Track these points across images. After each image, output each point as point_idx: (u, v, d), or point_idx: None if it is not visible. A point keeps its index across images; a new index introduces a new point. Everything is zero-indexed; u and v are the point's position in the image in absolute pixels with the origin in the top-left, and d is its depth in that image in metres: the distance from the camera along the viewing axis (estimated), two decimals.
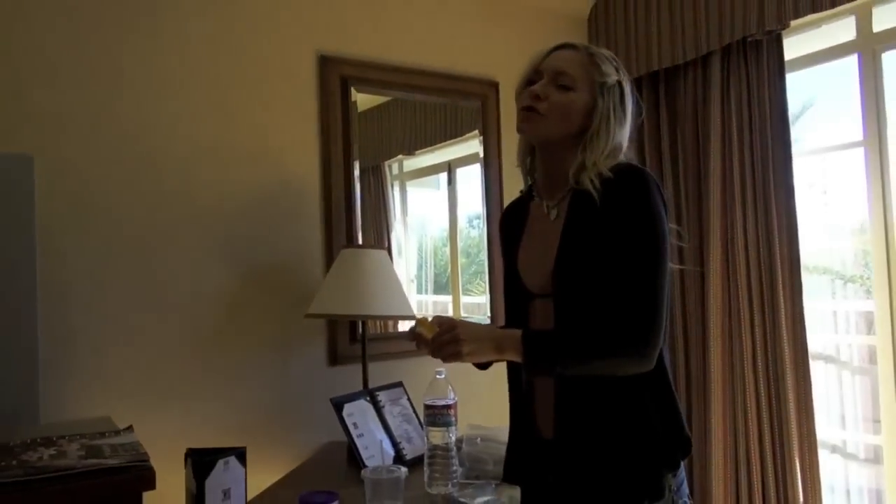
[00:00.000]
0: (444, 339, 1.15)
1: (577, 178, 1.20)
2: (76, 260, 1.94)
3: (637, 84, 2.88)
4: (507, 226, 1.41)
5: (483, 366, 1.36)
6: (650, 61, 2.74)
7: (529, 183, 1.39)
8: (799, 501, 2.35)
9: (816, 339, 2.67)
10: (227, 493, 1.25)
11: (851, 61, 2.44)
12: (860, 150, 2.43)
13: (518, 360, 1.16)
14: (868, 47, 2.39)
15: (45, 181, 1.77)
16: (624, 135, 1.25)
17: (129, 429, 1.60)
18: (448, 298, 2.83)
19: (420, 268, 2.82)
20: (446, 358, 1.16)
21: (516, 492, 1.36)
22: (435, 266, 2.87)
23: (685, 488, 1.20)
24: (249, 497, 1.62)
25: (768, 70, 2.43)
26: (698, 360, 2.65)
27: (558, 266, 1.18)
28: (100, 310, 1.96)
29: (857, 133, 2.44)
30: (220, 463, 1.24)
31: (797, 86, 2.68)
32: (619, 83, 1.25)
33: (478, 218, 2.88)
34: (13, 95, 1.87)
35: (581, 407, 1.18)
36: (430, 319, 1.22)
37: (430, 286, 2.85)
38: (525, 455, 1.30)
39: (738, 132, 2.51)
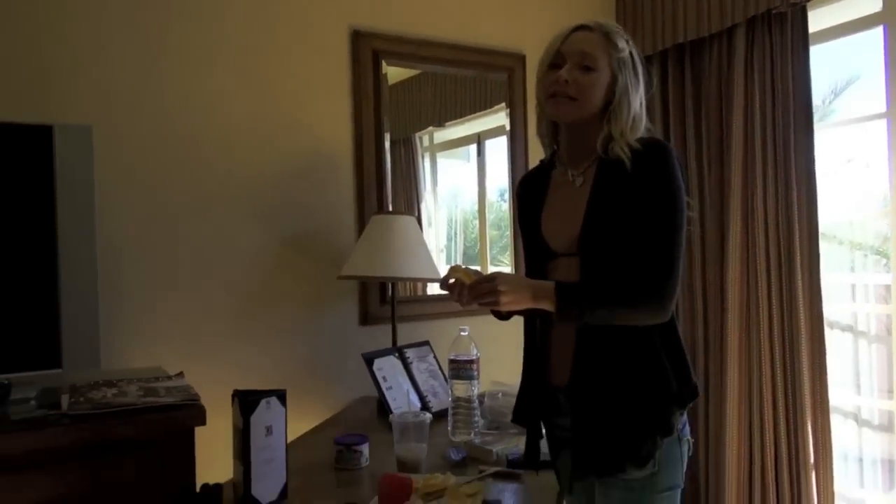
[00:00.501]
0: (483, 286, 1.24)
1: (604, 149, 1.31)
2: (128, 224, 2.10)
3: (662, 56, 2.93)
4: (528, 192, 1.50)
5: (503, 317, 1.47)
6: (676, 34, 2.78)
7: (551, 153, 1.48)
8: (810, 463, 2.43)
9: (835, 309, 2.73)
10: (269, 430, 1.40)
11: (877, 33, 2.46)
12: (883, 122, 2.46)
13: (550, 308, 1.25)
14: (894, 19, 2.41)
15: (101, 151, 1.92)
16: (641, 101, 1.35)
17: (180, 374, 1.76)
18: (477, 269, 2.93)
19: (450, 239, 2.91)
20: (484, 303, 1.25)
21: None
22: (465, 239, 2.97)
23: (687, 429, 1.32)
24: (290, 440, 1.78)
25: (792, 42, 2.45)
26: (716, 327, 2.73)
27: (586, 226, 1.30)
28: (149, 269, 2.12)
29: (881, 105, 2.46)
30: (264, 402, 1.39)
31: (830, 58, 2.69)
32: (631, 54, 1.35)
33: (506, 191, 2.97)
34: (70, 72, 2.02)
35: (599, 355, 1.29)
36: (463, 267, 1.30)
37: (460, 258, 2.95)
38: (535, 400, 1.42)
39: (760, 104, 2.55)
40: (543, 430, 1.44)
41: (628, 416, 1.26)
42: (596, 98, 1.32)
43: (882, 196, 2.56)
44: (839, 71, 2.82)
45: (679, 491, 1.30)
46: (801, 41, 2.44)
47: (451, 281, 1.29)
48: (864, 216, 2.80)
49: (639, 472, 1.24)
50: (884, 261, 2.63)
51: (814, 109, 2.46)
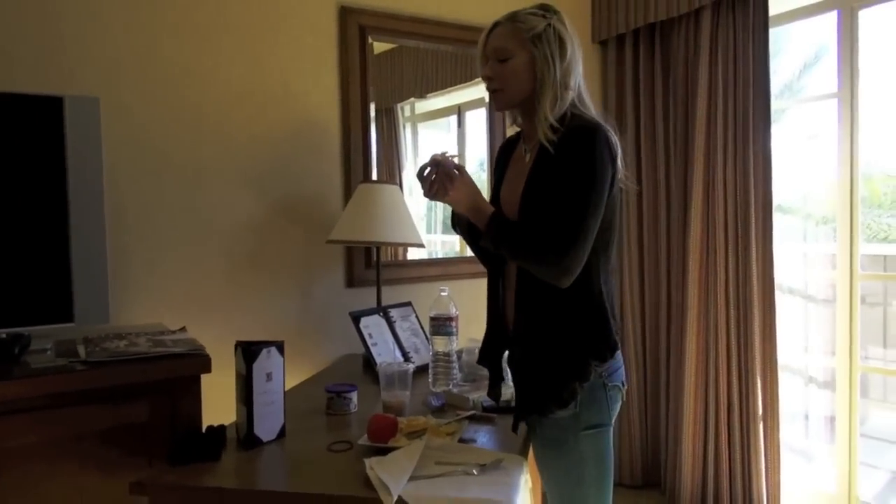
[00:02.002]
0: (443, 175, 1.43)
1: (539, 131, 1.45)
2: (131, 189, 2.22)
3: (634, 35, 3.08)
4: (498, 162, 1.69)
5: (456, 225, 1.66)
6: (647, 14, 2.92)
7: (518, 130, 1.65)
8: (758, 415, 2.67)
9: (788, 276, 2.95)
10: (269, 376, 1.56)
11: (831, 17, 2.63)
12: (834, 101, 2.65)
13: (478, 224, 1.47)
14: (847, 5, 2.58)
15: (107, 120, 2.04)
16: (570, 67, 1.45)
17: (183, 329, 1.92)
18: (455, 238, 3.04)
19: (430, 209, 3.03)
20: (434, 194, 1.44)
21: (508, 389, 1.68)
22: (445, 207, 3.10)
23: (618, 376, 1.50)
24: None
25: (753, 24, 2.62)
26: (678, 291, 2.94)
27: (522, 201, 1.47)
28: (151, 232, 2.26)
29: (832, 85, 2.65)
30: (265, 351, 1.55)
31: (802, 34, 2.81)
32: (550, 25, 1.45)
33: (485, 161, 3.10)
34: (78, 46, 2.13)
35: (532, 312, 1.48)
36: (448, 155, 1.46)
37: (440, 227, 3.07)
38: (496, 344, 1.63)
39: (723, 81, 2.72)
40: (508, 375, 1.63)
41: (552, 364, 1.45)
42: (520, 82, 1.46)
43: (833, 171, 2.76)
44: (809, 47, 2.97)
45: (606, 429, 1.48)
46: (762, 24, 2.60)
47: (427, 171, 1.45)
48: (816, 189, 3.00)
49: (563, 412, 1.44)
50: (833, 231, 2.84)
51: (785, 85, 2.63)
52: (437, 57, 2.93)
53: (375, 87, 2.72)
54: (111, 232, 1.98)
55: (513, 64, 1.46)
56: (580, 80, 1.49)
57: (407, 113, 2.96)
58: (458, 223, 1.65)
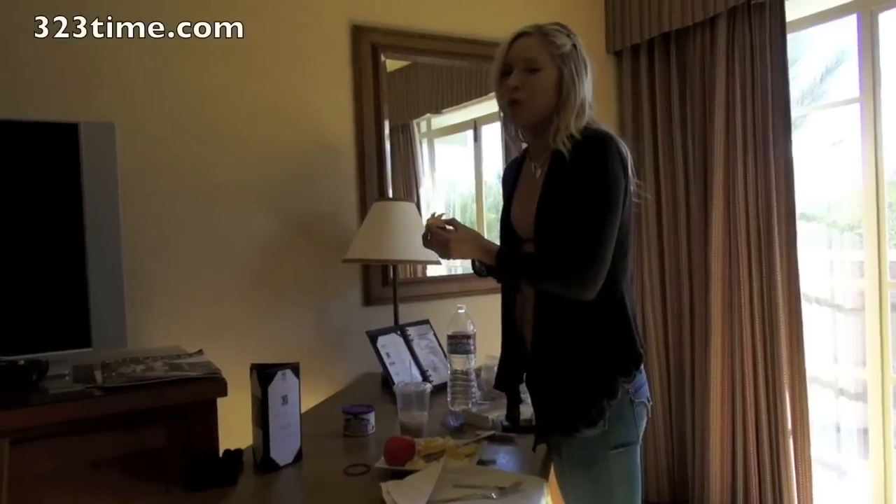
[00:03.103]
0: (439, 235, 1.48)
1: (553, 140, 1.43)
2: (147, 211, 2.24)
3: (649, 45, 3.05)
4: (505, 181, 1.67)
5: (480, 272, 1.64)
6: (661, 23, 2.89)
7: (524, 148, 1.63)
8: (788, 430, 2.59)
9: (814, 284, 2.88)
10: (285, 399, 1.55)
11: (850, 21, 2.58)
12: (857, 106, 2.59)
13: (488, 262, 1.50)
14: (866, 8, 2.53)
15: (122, 143, 2.05)
16: (588, 88, 1.46)
17: (200, 352, 1.91)
18: (453, 219, 3.03)
19: None
20: (438, 249, 1.50)
21: (528, 408, 1.64)
22: (464, 221, 3.09)
23: (644, 392, 1.46)
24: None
25: (770, 31, 2.57)
26: (701, 303, 2.88)
27: (538, 215, 1.44)
28: (167, 254, 2.27)
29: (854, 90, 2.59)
30: (280, 374, 1.53)
31: (822, 39, 2.75)
32: (574, 46, 1.46)
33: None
34: (91, 64, 2.15)
35: (552, 329, 1.45)
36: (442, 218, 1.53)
37: None
38: (513, 368, 1.59)
39: (741, 92, 2.68)
40: (526, 395, 1.60)
41: (577, 382, 1.41)
42: (547, 95, 1.44)
43: (858, 177, 2.70)
44: (829, 52, 2.92)
45: (634, 447, 1.45)
46: (780, 30, 2.56)
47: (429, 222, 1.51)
48: (841, 196, 2.94)
49: (591, 431, 1.40)
50: (859, 238, 2.77)
51: (806, 91, 2.58)
52: (451, 72, 2.93)
53: (390, 104, 2.72)
54: (128, 254, 1.99)
55: (542, 77, 1.44)
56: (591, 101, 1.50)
57: (423, 129, 2.96)
58: (481, 267, 1.63)
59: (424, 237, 1.51)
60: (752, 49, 2.65)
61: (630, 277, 1.48)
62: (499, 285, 1.72)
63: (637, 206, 1.49)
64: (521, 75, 1.44)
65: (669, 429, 3.08)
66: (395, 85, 2.74)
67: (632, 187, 1.42)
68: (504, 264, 1.45)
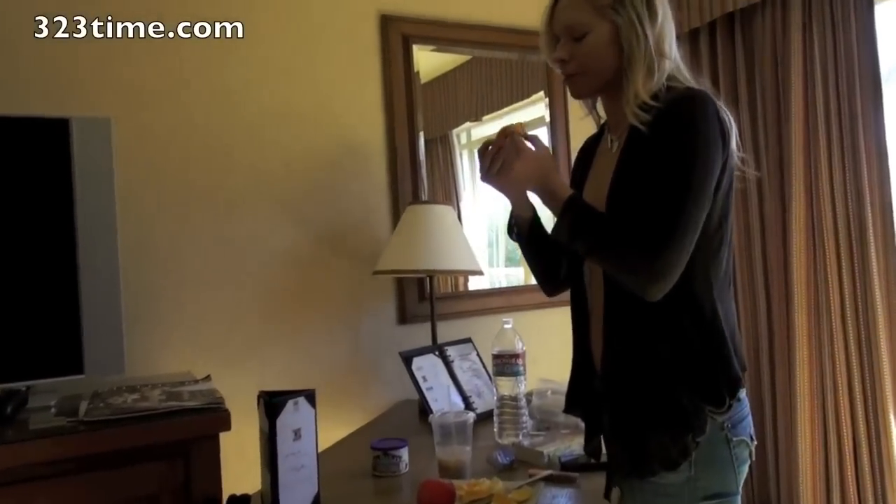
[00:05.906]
0: (510, 147, 1.15)
1: (628, 112, 1.16)
2: (155, 221, 2.02)
3: (711, 28, 2.75)
4: (578, 160, 1.41)
5: (513, 226, 1.36)
6: (725, 3, 2.60)
7: (602, 123, 1.37)
8: (895, 460, 2.22)
9: None
10: (297, 433, 1.28)
11: None
12: None
13: (552, 209, 1.18)
14: None
15: (126, 146, 1.86)
16: (663, 32, 1.17)
17: (207, 378, 1.66)
18: (520, 270, 2.80)
19: (490, 245, 2.79)
20: (496, 171, 1.17)
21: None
22: (508, 242, 2.84)
23: (745, 427, 1.15)
24: (325, 447, 1.67)
25: (854, 2, 2.26)
26: (781, 316, 2.53)
27: (611, 191, 1.17)
28: (178, 269, 2.04)
29: None
30: (290, 403, 1.27)
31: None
32: None
33: None
34: (97, 66, 1.97)
35: (625, 345, 1.16)
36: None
37: (502, 262, 2.83)
38: (585, 385, 1.27)
39: (821, 72, 2.35)
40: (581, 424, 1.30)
41: (653, 411, 1.12)
42: (602, 59, 1.18)
43: None
44: None
45: (732, 499, 1.13)
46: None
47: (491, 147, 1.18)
48: None
49: (673, 476, 1.09)
50: None
51: (893, 67, 2.26)
52: (490, 73, 2.70)
53: (428, 115, 2.51)
54: (131, 270, 1.77)
55: (591, 40, 1.17)
56: (675, 46, 1.19)
57: (463, 140, 2.75)
58: (517, 224, 1.35)
59: (488, 143, 1.19)
60: (833, 24, 2.32)
61: (727, 277, 1.17)
62: (550, 300, 1.45)
63: (739, 188, 1.16)
64: (567, 45, 1.20)
65: (750, 467, 2.70)
66: (432, 95, 2.54)
67: (734, 160, 1.13)
68: (571, 211, 1.14)
